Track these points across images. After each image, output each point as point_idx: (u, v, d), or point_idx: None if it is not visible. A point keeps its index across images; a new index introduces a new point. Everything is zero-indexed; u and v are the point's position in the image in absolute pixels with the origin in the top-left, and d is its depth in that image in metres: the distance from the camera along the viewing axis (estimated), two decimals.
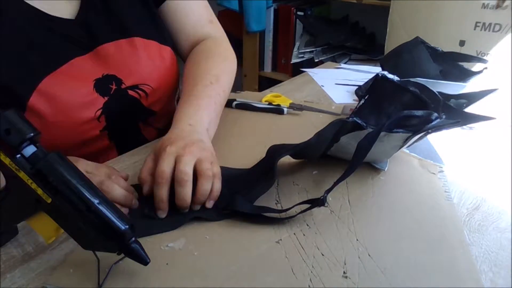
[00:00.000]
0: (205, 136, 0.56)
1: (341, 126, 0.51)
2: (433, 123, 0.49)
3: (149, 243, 0.45)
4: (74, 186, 0.36)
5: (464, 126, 0.73)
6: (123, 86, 0.64)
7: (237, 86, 0.82)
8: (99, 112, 0.61)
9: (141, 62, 0.65)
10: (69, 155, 0.57)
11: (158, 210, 0.48)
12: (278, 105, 0.79)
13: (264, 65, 2.15)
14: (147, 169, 0.51)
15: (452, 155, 0.64)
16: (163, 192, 0.47)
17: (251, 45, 2.07)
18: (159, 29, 0.70)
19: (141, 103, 0.66)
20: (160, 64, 0.67)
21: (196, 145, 0.51)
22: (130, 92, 0.64)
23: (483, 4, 1.13)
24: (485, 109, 0.73)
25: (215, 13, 0.79)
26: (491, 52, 1.15)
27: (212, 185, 0.49)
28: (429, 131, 0.53)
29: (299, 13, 1.95)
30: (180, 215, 0.49)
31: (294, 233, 0.47)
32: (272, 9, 2.00)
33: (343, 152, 0.55)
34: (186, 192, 0.47)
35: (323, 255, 0.44)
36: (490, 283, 0.41)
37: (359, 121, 0.50)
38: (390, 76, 0.63)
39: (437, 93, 0.56)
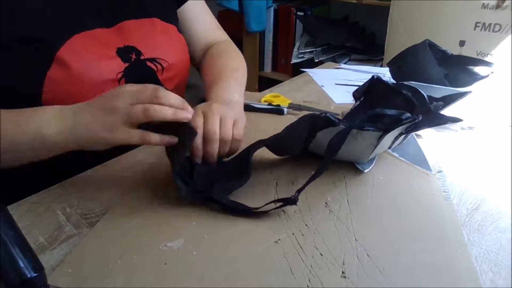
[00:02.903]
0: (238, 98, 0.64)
1: (313, 120, 0.52)
2: (404, 122, 0.50)
3: (148, 243, 0.45)
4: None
5: (464, 126, 0.73)
6: (141, 57, 0.67)
7: None
8: (119, 75, 0.64)
9: (159, 39, 0.70)
10: None
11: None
12: (278, 105, 0.79)
13: (264, 65, 2.15)
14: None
15: (452, 155, 0.64)
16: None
17: (251, 45, 2.07)
18: (176, 21, 0.76)
19: (156, 76, 0.69)
20: (177, 45, 0.72)
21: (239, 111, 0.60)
22: (148, 63, 0.68)
23: (483, 4, 1.13)
24: (486, 109, 0.73)
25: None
26: (491, 52, 1.15)
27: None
28: (403, 131, 0.53)
29: (299, 13, 1.95)
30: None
31: (293, 233, 0.47)
32: (272, 9, 2.00)
33: (321, 149, 0.56)
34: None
35: (321, 255, 0.44)
36: (490, 283, 0.41)
37: (332, 117, 0.50)
38: (385, 78, 0.63)
39: (426, 96, 0.57)
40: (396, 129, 0.51)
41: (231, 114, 0.55)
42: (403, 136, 0.55)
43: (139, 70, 0.66)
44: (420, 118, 0.51)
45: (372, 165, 0.59)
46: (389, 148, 0.59)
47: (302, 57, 1.90)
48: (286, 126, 0.54)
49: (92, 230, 0.48)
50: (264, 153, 0.62)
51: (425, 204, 0.52)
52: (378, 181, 0.56)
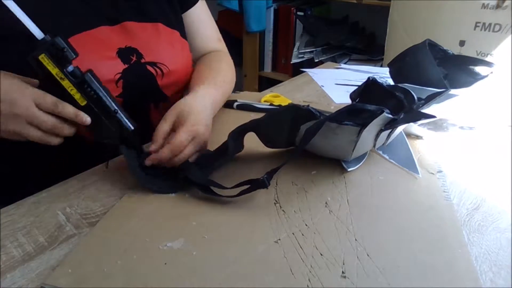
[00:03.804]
0: (211, 113, 0.63)
1: (295, 112, 0.53)
2: (379, 117, 0.50)
3: (148, 243, 0.45)
4: (103, 95, 0.52)
5: (464, 126, 0.73)
6: (142, 61, 0.67)
7: (237, 86, 0.84)
8: (118, 76, 0.64)
9: (162, 44, 0.69)
10: None
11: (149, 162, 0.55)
12: (280, 105, 0.79)
13: (264, 65, 2.16)
14: (163, 132, 0.56)
15: (452, 155, 0.64)
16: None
17: (251, 45, 2.07)
18: (181, 25, 0.76)
19: (156, 81, 0.69)
20: (179, 50, 0.72)
21: (207, 136, 0.58)
22: (148, 67, 0.68)
23: (483, 4, 1.13)
24: (486, 109, 0.73)
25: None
26: (491, 52, 1.15)
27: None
28: (383, 128, 0.53)
29: (299, 13, 1.95)
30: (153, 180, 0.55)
31: (293, 233, 0.47)
32: (272, 9, 2.00)
33: (308, 145, 0.56)
34: (174, 163, 0.55)
35: (321, 255, 0.44)
36: (490, 283, 0.41)
37: (313, 110, 0.51)
38: (383, 79, 0.64)
39: (416, 98, 0.58)
40: (374, 125, 0.51)
41: (197, 141, 0.56)
42: (386, 133, 0.55)
43: (138, 72, 0.66)
44: (402, 116, 0.52)
45: (358, 165, 0.59)
46: (375, 147, 0.58)
47: (302, 57, 1.90)
48: (268, 112, 0.56)
49: (92, 230, 0.48)
50: (263, 153, 0.62)
51: (425, 204, 0.52)
52: (378, 181, 0.56)
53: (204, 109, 0.60)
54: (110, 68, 0.63)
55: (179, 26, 0.75)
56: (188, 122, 0.55)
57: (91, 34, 0.62)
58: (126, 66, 0.65)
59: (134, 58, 0.66)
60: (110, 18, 0.65)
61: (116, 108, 0.52)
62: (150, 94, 0.70)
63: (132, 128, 0.54)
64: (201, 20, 0.81)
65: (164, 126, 0.56)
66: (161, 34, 0.69)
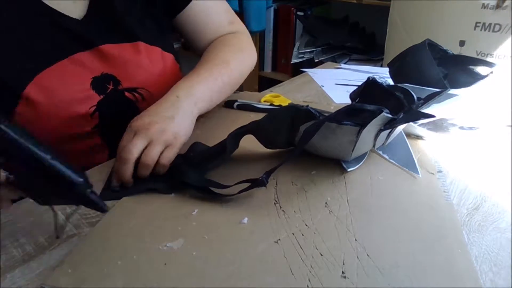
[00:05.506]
0: (187, 110, 0.57)
1: (295, 112, 0.53)
2: (378, 117, 0.50)
3: (147, 244, 0.45)
4: (25, 145, 0.35)
5: (464, 126, 0.73)
6: (120, 87, 0.64)
7: None
8: (92, 109, 0.61)
9: (141, 66, 0.65)
10: (61, 150, 0.59)
11: (115, 181, 0.53)
12: (280, 105, 0.79)
13: (264, 65, 2.16)
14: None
15: (452, 155, 0.64)
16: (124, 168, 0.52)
17: None
18: (163, 37, 0.71)
19: (136, 106, 0.66)
20: (161, 69, 0.68)
21: (159, 125, 0.54)
22: (127, 94, 0.65)
23: (483, 4, 1.13)
24: (486, 109, 0.74)
25: None
26: (491, 52, 1.15)
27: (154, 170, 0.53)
28: (382, 128, 0.53)
29: (299, 13, 1.95)
30: (134, 186, 0.53)
31: (293, 233, 0.47)
32: (272, 9, 2.00)
33: (308, 145, 0.56)
34: (125, 170, 0.52)
35: (321, 255, 0.44)
36: (490, 283, 0.41)
37: (312, 110, 0.51)
38: (383, 79, 0.64)
39: (415, 98, 0.58)
40: (374, 124, 0.51)
41: (163, 139, 0.53)
42: (385, 133, 0.55)
43: (115, 102, 0.63)
44: (401, 116, 0.52)
45: (358, 166, 0.59)
46: (375, 147, 0.58)
47: (302, 57, 1.90)
48: (267, 114, 0.56)
49: (92, 230, 0.48)
50: (262, 153, 0.62)
51: (425, 204, 0.52)
52: (378, 181, 0.56)
53: (167, 105, 0.56)
54: (83, 103, 0.60)
55: (161, 39, 0.69)
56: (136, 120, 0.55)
57: (64, 66, 0.59)
58: (102, 97, 0.62)
59: (111, 86, 0.63)
60: (85, 43, 0.61)
61: (50, 159, 0.36)
62: (131, 118, 0.66)
63: (81, 179, 0.38)
64: (203, 13, 0.73)
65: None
66: (140, 54, 0.65)
